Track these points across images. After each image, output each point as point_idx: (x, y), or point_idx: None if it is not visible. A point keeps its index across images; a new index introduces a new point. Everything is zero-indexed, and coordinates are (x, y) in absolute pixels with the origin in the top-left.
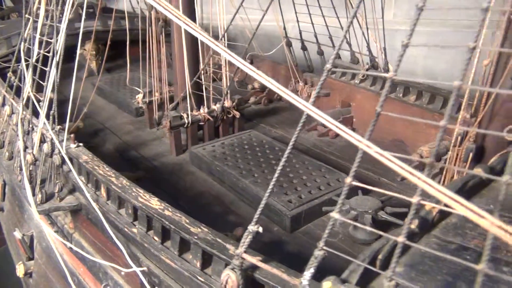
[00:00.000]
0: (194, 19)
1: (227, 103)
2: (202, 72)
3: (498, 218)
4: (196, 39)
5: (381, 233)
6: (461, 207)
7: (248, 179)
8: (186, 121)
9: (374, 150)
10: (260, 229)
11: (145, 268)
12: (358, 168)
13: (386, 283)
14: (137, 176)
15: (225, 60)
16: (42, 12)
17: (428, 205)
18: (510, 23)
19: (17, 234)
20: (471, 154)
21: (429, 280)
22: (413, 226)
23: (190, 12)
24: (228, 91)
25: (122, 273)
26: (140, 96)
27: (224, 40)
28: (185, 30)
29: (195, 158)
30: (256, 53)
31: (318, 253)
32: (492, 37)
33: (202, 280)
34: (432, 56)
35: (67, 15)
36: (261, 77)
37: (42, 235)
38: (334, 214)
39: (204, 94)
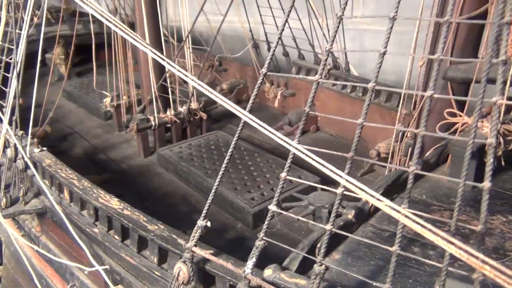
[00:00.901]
0: (157, 22)
1: (194, 105)
2: (168, 75)
3: (406, 205)
4: (161, 42)
5: (312, 222)
6: (365, 194)
7: (213, 178)
8: (153, 124)
9: (291, 144)
10: (209, 224)
11: (107, 267)
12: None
13: (316, 267)
14: (103, 179)
15: (191, 64)
16: (3, 18)
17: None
18: (440, 27)
19: None
20: (410, 149)
21: (363, 265)
22: (350, 216)
23: (153, 16)
24: (195, 93)
25: (86, 272)
26: (107, 99)
27: (189, 43)
28: (150, 33)
29: (162, 159)
30: (225, 55)
31: (258, 243)
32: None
33: (159, 274)
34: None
35: (27, 21)
36: (203, 88)
37: (10, 240)
38: (271, 207)
39: (170, 96)
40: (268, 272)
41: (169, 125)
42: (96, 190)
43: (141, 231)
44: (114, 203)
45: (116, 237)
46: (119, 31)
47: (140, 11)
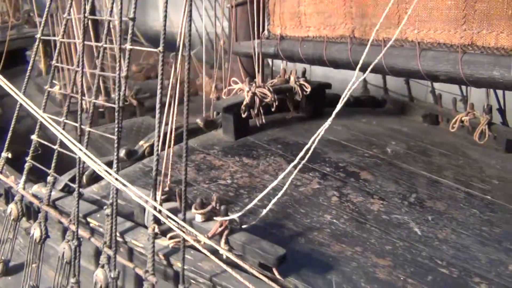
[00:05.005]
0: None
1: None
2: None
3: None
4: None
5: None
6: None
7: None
8: (84, 107)
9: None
10: (9, 155)
11: None
12: None
13: (48, 178)
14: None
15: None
16: None
17: (142, 142)
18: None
19: None
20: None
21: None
22: (121, 155)
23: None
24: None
25: None
26: (56, 88)
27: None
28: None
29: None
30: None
31: (26, 165)
32: None
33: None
34: None
35: None
36: None
37: None
38: (33, 136)
39: (100, 84)
40: (35, 187)
41: (101, 110)
42: None
43: None
44: None
45: None
46: None
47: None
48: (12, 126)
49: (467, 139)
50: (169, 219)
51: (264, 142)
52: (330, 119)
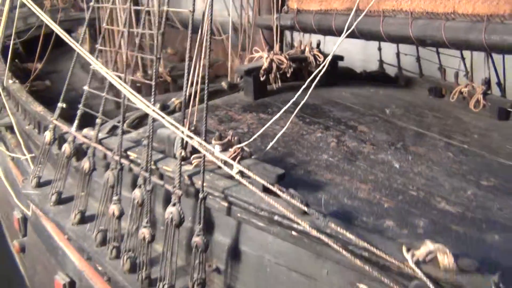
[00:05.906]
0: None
1: (160, 69)
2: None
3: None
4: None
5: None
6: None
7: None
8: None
9: None
10: (64, 105)
11: None
12: None
13: (97, 119)
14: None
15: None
16: None
17: (174, 99)
18: None
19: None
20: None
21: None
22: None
23: None
24: (161, 60)
25: None
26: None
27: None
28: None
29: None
30: (213, 37)
31: (78, 111)
32: None
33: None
34: None
35: None
36: None
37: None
38: (85, 87)
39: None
40: (85, 130)
41: (138, 85)
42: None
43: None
44: (37, 108)
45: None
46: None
47: None
48: (67, 81)
49: (465, 109)
50: (193, 140)
51: (279, 102)
52: (319, 69)
